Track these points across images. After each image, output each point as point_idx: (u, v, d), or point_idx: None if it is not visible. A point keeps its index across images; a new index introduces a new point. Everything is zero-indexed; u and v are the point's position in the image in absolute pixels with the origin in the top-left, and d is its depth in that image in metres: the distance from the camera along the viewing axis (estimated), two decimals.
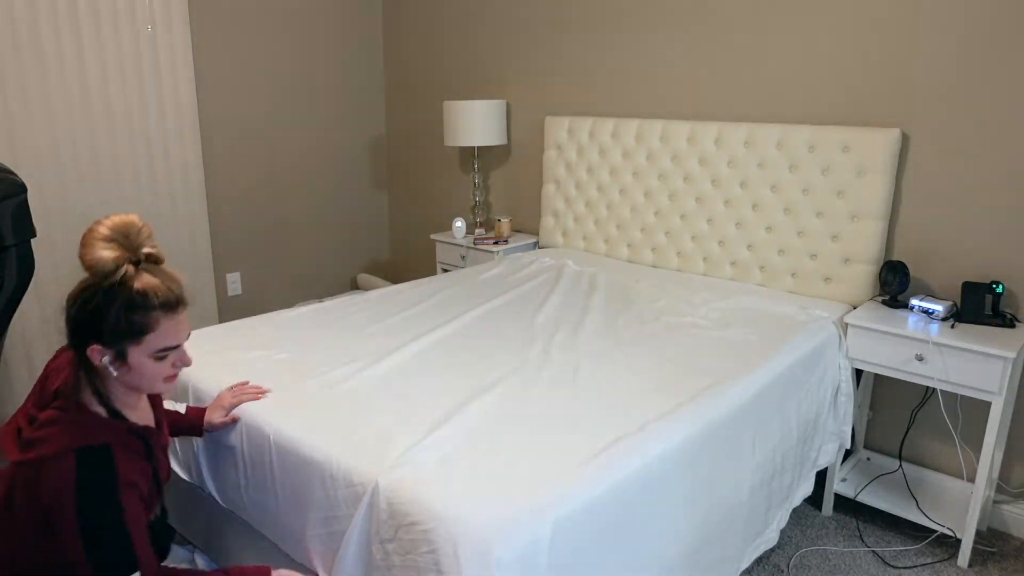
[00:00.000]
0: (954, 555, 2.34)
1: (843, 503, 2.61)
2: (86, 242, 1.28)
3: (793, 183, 2.71)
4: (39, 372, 3.18)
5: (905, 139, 2.52)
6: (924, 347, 2.23)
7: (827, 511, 2.58)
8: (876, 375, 2.67)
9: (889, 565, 2.31)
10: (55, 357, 1.48)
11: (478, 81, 3.93)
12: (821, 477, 2.56)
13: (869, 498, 2.49)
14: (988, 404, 2.22)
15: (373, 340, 2.24)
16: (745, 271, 2.89)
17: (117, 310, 1.28)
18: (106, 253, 1.27)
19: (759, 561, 2.30)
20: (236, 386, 1.85)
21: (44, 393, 1.41)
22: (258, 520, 1.81)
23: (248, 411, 1.80)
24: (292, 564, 1.76)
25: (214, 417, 1.79)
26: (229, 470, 1.86)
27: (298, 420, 1.72)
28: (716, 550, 1.87)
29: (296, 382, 1.92)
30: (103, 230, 1.29)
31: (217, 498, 1.92)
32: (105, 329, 1.28)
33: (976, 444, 2.50)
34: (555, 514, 1.38)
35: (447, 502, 1.37)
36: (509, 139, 3.85)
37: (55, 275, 3.19)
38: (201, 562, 2.17)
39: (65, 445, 1.27)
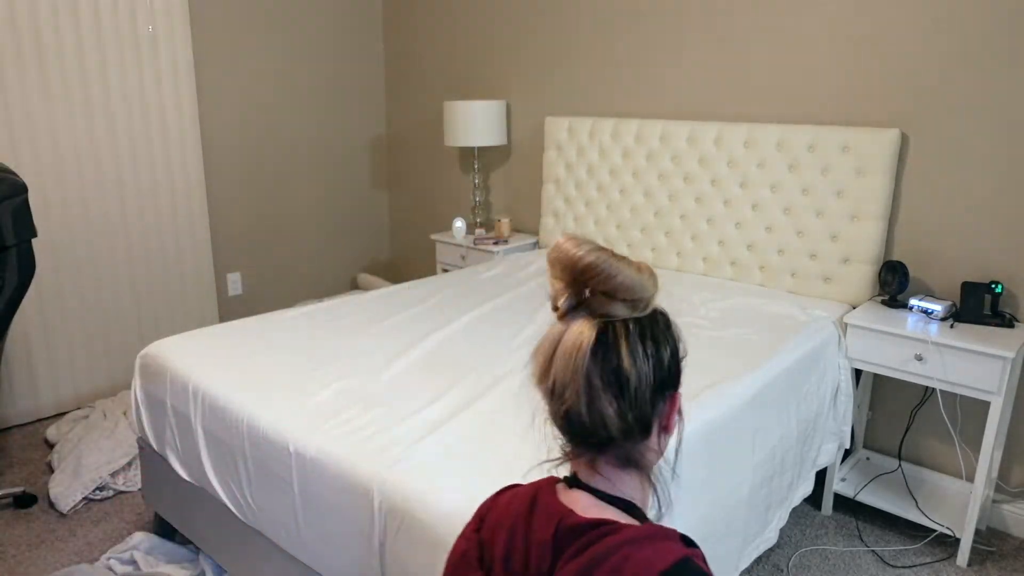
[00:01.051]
0: (953, 554, 2.35)
1: (843, 503, 2.61)
2: (615, 256, 0.83)
3: (793, 183, 2.71)
4: (40, 372, 3.19)
5: (905, 139, 2.53)
6: (923, 347, 2.23)
7: (827, 511, 2.59)
8: (876, 375, 2.68)
9: (888, 565, 2.31)
10: (480, 528, 0.96)
11: (478, 81, 3.93)
12: (821, 477, 2.56)
13: (868, 498, 2.49)
14: (987, 404, 2.22)
15: (373, 340, 2.24)
16: (745, 271, 2.89)
17: (676, 351, 0.88)
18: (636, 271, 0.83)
19: (759, 561, 2.30)
20: None
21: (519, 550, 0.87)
22: (259, 519, 1.81)
23: (247, 411, 1.81)
24: (292, 563, 1.77)
25: None
26: (231, 470, 1.86)
27: (298, 420, 1.73)
28: (715, 549, 1.87)
29: (296, 382, 1.92)
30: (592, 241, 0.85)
31: (222, 497, 1.93)
32: (677, 382, 0.89)
33: (975, 444, 2.50)
34: None
35: (448, 499, 1.37)
36: (509, 139, 3.86)
37: (55, 275, 3.19)
38: (206, 562, 2.18)
39: None
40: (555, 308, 0.87)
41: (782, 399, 2.11)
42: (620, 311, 0.84)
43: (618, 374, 0.83)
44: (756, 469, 1.99)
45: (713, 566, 1.87)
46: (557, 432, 0.89)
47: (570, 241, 0.83)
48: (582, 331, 0.84)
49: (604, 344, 0.83)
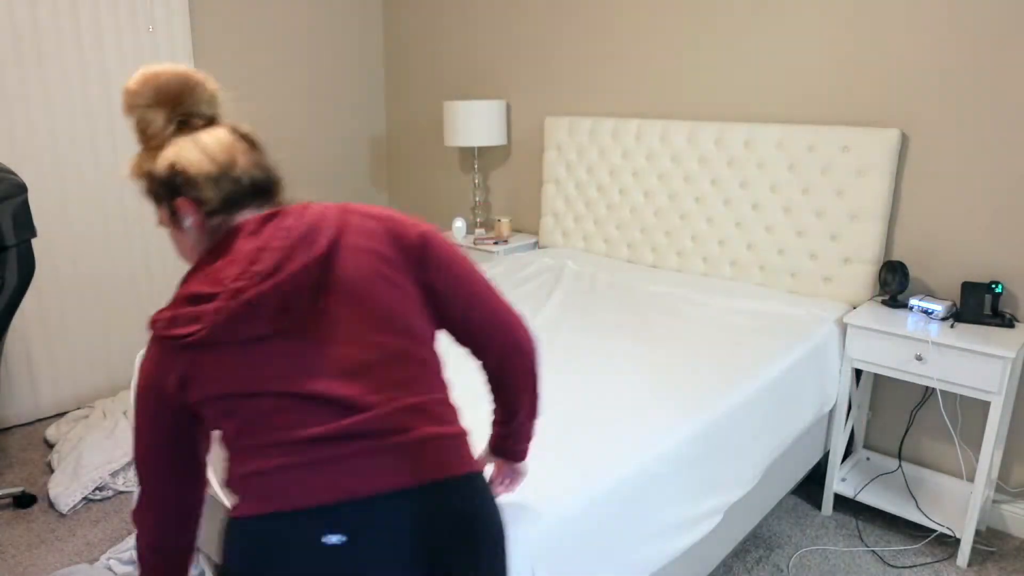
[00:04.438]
0: (953, 555, 2.35)
1: (843, 503, 2.61)
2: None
3: (793, 183, 2.71)
4: (40, 372, 3.20)
5: (905, 139, 2.53)
6: (924, 347, 2.23)
7: (827, 511, 2.58)
8: (876, 375, 2.68)
9: (888, 565, 2.31)
10: None
11: (478, 81, 3.93)
12: (821, 477, 2.57)
13: (869, 498, 2.49)
14: (987, 404, 2.22)
15: None
16: (745, 271, 2.89)
17: None
18: None
19: (759, 560, 2.30)
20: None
21: None
22: None
23: None
24: None
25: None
26: None
27: None
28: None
29: None
30: None
31: (221, 497, 1.92)
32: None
33: (975, 444, 2.50)
34: (558, 511, 1.38)
35: None
36: (509, 139, 3.86)
37: (55, 275, 3.19)
38: (206, 563, 2.18)
39: None
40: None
41: (782, 398, 2.11)
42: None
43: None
44: (756, 466, 1.99)
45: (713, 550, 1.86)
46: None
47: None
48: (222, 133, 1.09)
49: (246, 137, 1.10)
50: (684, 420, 1.74)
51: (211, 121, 1.10)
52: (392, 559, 0.94)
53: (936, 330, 2.25)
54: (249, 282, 0.96)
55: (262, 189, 1.08)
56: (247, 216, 1.07)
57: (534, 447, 1.58)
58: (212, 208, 1.04)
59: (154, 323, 1.01)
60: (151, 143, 1.08)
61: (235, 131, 1.09)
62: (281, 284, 0.97)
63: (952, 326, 2.28)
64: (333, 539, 0.92)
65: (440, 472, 0.98)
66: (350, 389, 0.97)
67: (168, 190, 1.05)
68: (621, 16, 3.25)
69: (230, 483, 0.99)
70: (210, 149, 1.05)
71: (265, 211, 1.08)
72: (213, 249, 1.04)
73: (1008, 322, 2.28)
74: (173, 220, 1.07)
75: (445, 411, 1.05)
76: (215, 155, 1.04)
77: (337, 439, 0.95)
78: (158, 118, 1.08)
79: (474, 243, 3.64)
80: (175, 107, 1.09)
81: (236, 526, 0.96)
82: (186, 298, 0.99)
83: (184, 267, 3.61)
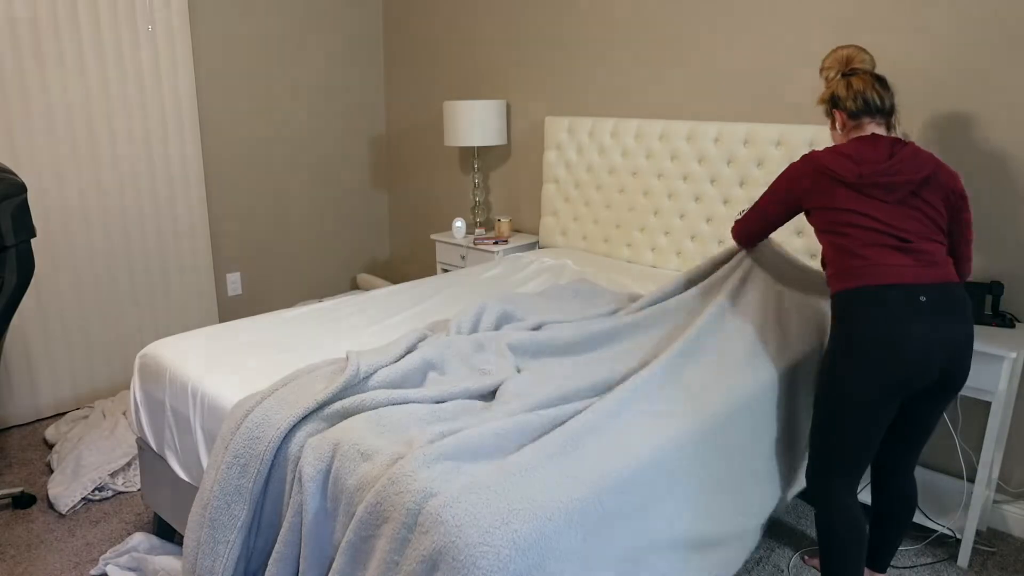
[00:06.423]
0: (954, 555, 2.34)
1: None
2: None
3: None
4: (39, 372, 3.19)
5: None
6: None
7: None
8: None
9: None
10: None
11: (478, 81, 3.93)
12: None
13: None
14: (988, 404, 2.22)
15: (373, 340, 2.24)
16: None
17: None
18: None
19: (759, 561, 2.30)
20: None
21: None
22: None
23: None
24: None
25: None
26: None
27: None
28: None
29: None
30: None
31: None
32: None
33: (976, 444, 2.50)
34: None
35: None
36: (509, 139, 3.86)
37: (54, 275, 3.19)
38: None
39: None
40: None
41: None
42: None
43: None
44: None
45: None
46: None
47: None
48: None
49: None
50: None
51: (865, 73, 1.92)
52: None
53: None
54: (878, 167, 1.80)
55: (877, 110, 1.91)
56: (870, 127, 1.91)
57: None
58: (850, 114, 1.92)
59: (815, 155, 1.89)
60: (828, 84, 1.96)
61: (872, 76, 1.91)
62: (895, 178, 1.79)
63: None
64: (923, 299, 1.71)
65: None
66: (909, 234, 1.78)
67: (832, 105, 1.96)
68: (621, 16, 3.25)
69: (838, 270, 1.82)
70: (854, 85, 1.91)
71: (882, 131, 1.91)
72: (851, 142, 1.88)
73: (1008, 322, 2.28)
74: (832, 123, 1.98)
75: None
76: (856, 87, 1.91)
77: (903, 252, 1.76)
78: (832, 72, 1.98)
79: (474, 243, 3.64)
80: (846, 66, 1.96)
81: (853, 293, 1.78)
82: (839, 155, 1.85)
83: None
